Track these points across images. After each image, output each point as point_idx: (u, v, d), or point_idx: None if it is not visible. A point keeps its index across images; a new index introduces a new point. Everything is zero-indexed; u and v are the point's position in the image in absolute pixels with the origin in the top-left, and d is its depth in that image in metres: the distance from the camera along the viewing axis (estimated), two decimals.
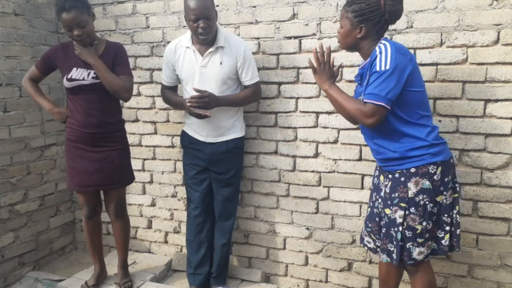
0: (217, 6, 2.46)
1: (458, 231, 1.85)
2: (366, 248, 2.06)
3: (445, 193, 1.79)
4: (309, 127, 2.52)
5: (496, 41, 2.07)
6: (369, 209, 2.02)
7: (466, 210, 2.25)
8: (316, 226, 2.60)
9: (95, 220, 2.56)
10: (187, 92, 2.39)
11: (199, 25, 2.22)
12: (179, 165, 2.88)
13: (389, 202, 1.82)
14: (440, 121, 2.22)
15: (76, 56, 2.28)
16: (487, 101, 2.13)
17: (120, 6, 2.87)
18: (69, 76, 2.28)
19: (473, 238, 2.26)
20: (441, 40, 2.17)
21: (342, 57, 2.36)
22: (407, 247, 1.80)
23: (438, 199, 1.79)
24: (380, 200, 1.93)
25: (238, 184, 2.61)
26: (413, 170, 1.77)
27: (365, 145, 2.35)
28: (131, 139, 2.93)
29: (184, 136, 2.55)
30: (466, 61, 2.14)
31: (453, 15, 2.12)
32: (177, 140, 2.84)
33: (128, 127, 2.91)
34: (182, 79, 2.45)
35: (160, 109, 2.89)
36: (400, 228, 1.79)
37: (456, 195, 1.85)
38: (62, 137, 3.02)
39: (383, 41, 1.77)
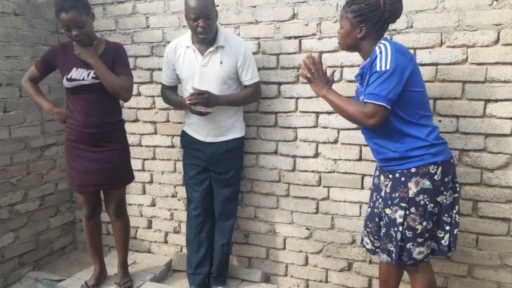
0: (217, 6, 2.46)
1: (455, 231, 1.85)
2: (364, 248, 2.06)
3: (445, 193, 1.79)
4: (309, 127, 2.52)
5: (496, 41, 2.07)
6: (369, 209, 2.02)
7: (466, 210, 2.25)
8: (316, 226, 2.60)
9: (95, 220, 2.56)
10: (187, 91, 2.39)
11: (199, 24, 2.22)
12: (179, 165, 2.88)
13: (389, 202, 1.83)
14: (440, 121, 2.22)
15: (76, 56, 2.28)
16: (487, 101, 2.13)
17: (120, 6, 2.87)
18: (69, 76, 2.28)
19: (473, 238, 2.26)
20: (441, 40, 2.17)
21: (342, 57, 2.36)
22: (407, 247, 1.80)
23: (438, 199, 1.79)
24: (380, 200, 1.93)
25: (238, 184, 2.61)
26: (413, 170, 1.77)
27: (365, 145, 2.35)
28: (131, 139, 2.93)
29: (184, 136, 2.55)
30: (466, 61, 2.14)
31: (453, 15, 2.12)
32: (177, 140, 2.84)
33: (128, 127, 2.91)
34: (182, 78, 2.45)
35: (160, 109, 2.89)
36: (400, 228, 1.79)
37: (456, 195, 1.85)
38: (62, 137, 3.02)
39: (383, 41, 1.77)
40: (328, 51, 2.40)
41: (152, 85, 2.89)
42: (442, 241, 1.84)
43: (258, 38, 2.56)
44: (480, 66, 2.12)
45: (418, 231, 1.78)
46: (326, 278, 2.63)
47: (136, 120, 2.98)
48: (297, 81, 2.50)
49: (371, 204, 2.01)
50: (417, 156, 1.77)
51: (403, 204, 1.78)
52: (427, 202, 1.76)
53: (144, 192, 3.05)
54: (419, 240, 1.79)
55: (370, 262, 2.51)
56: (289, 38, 2.48)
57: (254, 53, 2.50)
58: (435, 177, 1.76)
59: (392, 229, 1.82)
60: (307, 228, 2.62)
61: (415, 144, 1.77)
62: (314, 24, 2.41)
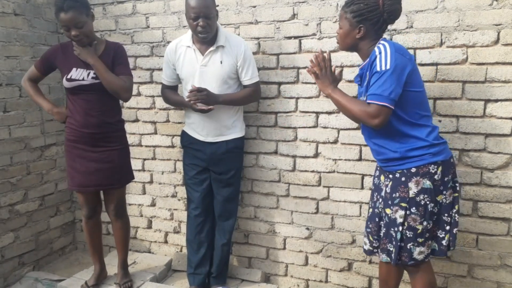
0: (217, 6, 2.45)
1: (455, 230, 1.85)
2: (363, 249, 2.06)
3: (444, 192, 1.80)
4: (309, 127, 2.52)
5: (496, 41, 2.07)
6: (370, 210, 2.02)
7: (466, 210, 2.25)
8: (316, 226, 2.60)
9: (95, 220, 2.56)
10: (187, 91, 2.39)
11: (199, 23, 2.22)
12: (179, 165, 2.88)
13: (389, 202, 1.83)
14: (440, 121, 2.22)
15: (75, 56, 2.28)
16: (487, 101, 2.13)
17: (120, 6, 2.87)
18: (68, 76, 2.28)
19: (473, 238, 2.26)
20: (441, 40, 2.17)
21: (342, 57, 2.36)
22: (408, 247, 1.80)
23: (438, 198, 1.79)
24: (380, 200, 1.93)
25: (238, 184, 2.61)
26: (413, 170, 1.77)
27: (365, 145, 2.35)
28: (131, 139, 2.93)
29: (184, 136, 2.55)
30: (466, 61, 2.14)
31: (453, 15, 2.12)
32: (177, 140, 2.84)
33: (128, 127, 2.91)
34: (182, 78, 2.45)
35: (160, 109, 2.89)
36: (400, 228, 1.79)
37: (456, 194, 1.86)
38: (62, 137, 3.02)
39: (382, 42, 1.77)
40: (328, 51, 2.39)
41: (152, 85, 2.89)
42: (443, 241, 1.84)
43: (258, 38, 2.56)
44: (480, 66, 2.12)
45: (418, 231, 1.78)
46: (326, 278, 2.63)
47: (136, 120, 2.98)
48: (297, 81, 2.50)
49: (372, 205, 2.01)
50: (417, 156, 1.77)
51: (403, 204, 1.78)
52: (428, 202, 1.76)
53: (144, 192, 3.05)
54: (420, 240, 1.79)
55: (370, 262, 2.51)
56: (289, 38, 2.48)
57: (254, 53, 2.50)
58: (435, 176, 1.76)
59: (392, 229, 1.82)
60: (307, 228, 2.62)
61: (415, 144, 1.77)
62: (314, 24, 2.41)
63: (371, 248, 2.00)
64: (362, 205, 2.46)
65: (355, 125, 2.38)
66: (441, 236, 1.84)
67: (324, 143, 2.50)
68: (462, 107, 2.18)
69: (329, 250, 2.59)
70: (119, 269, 2.62)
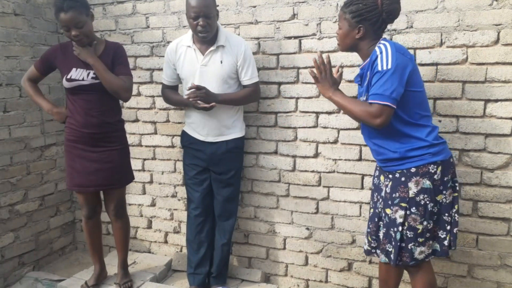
0: (217, 6, 2.45)
1: (455, 230, 1.85)
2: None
3: (444, 192, 1.80)
4: (309, 127, 2.52)
5: (496, 41, 2.07)
6: (371, 210, 2.02)
7: (466, 210, 2.25)
8: (316, 226, 2.60)
9: (95, 220, 2.56)
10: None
11: (199, 23, 2.23)
12: (179, 165, 2.88)
13: (389, 202, 1.83)
14: (440, 121, 2.22)
15: (75, 56, 2.28)
16: (487, 101, 2.13)
17: (120, 6, 2.87)
18: (68, 77, 2.28)
19: (473, 238, 2.26)
20: (441, 40, 2.17)
21: (342, 57, 2.36)
22: (409, 247, 1.80)
23: (438, 198, 1.79)
24: (380, 200, 1.93)
25: (238, 184, 2.61)
26: (413, 170, 1.77)
27: (365, 145, 2.35)
28: (131, 139, 2.93)
29: (184, 136, 2.55)
30: (466, 61, 2.14)
31: (453, 15, 2.12)
32: (177, 140, 2.84)
33: (128, 127, 2.91)
34: (182, 78, 2.45)
35: (160, 109, 2.89)
36: (400, 228, 1.79)
37: (456, 194, 1.86)
38: (62, 137, 3.02)
39: (382, 41, 1.77)
40: (328, 51, 2.40)
41: (152, 85, 2.89)
42: (445, 242, 1.84)
43: (258, 38, 2.56)
44: (480, 66, 2.12)
45: (419, 231, 1.78)
46: (326, 278, 2.63)
47: (136, 120, 2.98)
48: (297, 81, 2.50)
49: (372, 205, 2.01)
50: (417, 156, 1.77)
51: (403, 204, 1.78)
52: (428, 202, 1.76)
53: (144, 192, 3.05)
54: (420, 240, 1.79)
55: (370, 262, 2.51)
56: (289, 38, 2.48)
57: (254, 53, 2.50)
58: (435, 176, 1.76)
59: (391, 229, 1.82)
60: (307, 228, 2.62)
61: (415, 145, 1.77)
62: (314, 24, 2.41)
63: (369, 248, 2.00)
64: (362, 205, 2.46)
65: (355, 125, 2.38)
66: (442, 236, 1.84)
67: (324, 143, 2.50)
68: (462, 107, 2.18)
69: (329, 250, 2.59)
70: (119, 269, 2.62)
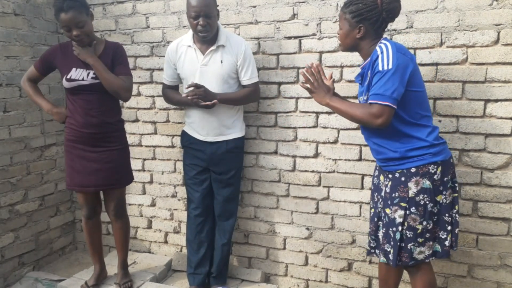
0: (217, 6, 2.46)
1: (456, 230, 1.85)
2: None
3: (444, 192, 1.80)
4: (309, 127, 2.52)
5: (496, 41, 2.07)
6: (372, 210, 2.03)
7: (466, 210, 2.25)
8: (316, 226, 2.60)
9: (95, 220, 2.56)
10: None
11: (199, 22, 2.23)
12: (179, 165, 2.88)
13: (389, 202, 1.83)
14: (440, 121, 2.22)
15: (75, 56, 2.28)
16: (487, 101, 2.13)
17: (120, 6, 2.87)
18: (68, 77, 2.28)
19: (473, 238, 2.26)
20: (441, 40, 2.17)
21: (342, 57, 2.36)
22: (408, 247, 1.80)
23: (437, 198, 1.79)
24: (380, 200, 1.93)
25: (238, 184, 2.61)
26: (413, 170, 1.77)
27: (365, 145, 2.35)
28: (131, 139, 2.94)
29: (184, 136, 2.55)
30: (466, 61, 2.14)
31: (453, 15, 2.12)
32: (177, 140, 2.84)
33: (128, 127, 2.91)
34: (183, 77, 2.45)
35: (160, 109, 2.89)
36: (400, 228, 1.79)
37: (456, 194, 1.86)
38: (62, 137, 3.02)
39: (383, 41, 1.77)
40: (328, 51, 2.40)
41: (152, 85, 2.89)
42: (446, 242, 1.83)
43: (258, 38, 2.56)
44: (480, 66, 2.12)
45: (418, 231, 1.78)
46: (326, 278, 2.63)
47: (136, 120, 2.98)
48: (297, 81, 2.50)
49: (373, 205, 2.01)
50: (417, 156, 1.77)
51: (403, 204, 1.78)
52: (427, 202, 1.76)
53: (144, 192, 3.05)
54: (420, 240, 1.79)
55: (370, 262, 2.51)
56: (289, 38, 2.48)
57: (254, 53, 2.50)
58: (435, 176, 1.76)
59: (391, 229, 1.82)
60: (307, 228, 2.62)
61: (415, 145, 1.77)
62: (314, 24, 2.41)
63: (368, 248, 2.01)
64: (362, 205, 2.46)
65: (355, 125, 2.38)
66: (443, 237, 1.84)
67: (324, 143, 2.50)
68: (462, 107, 2.18)
69: (329, 250, 2.59)
70: (119, 269, 2.62)
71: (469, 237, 2.27)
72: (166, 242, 3.05)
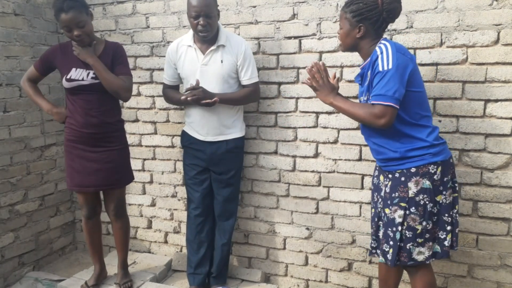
0: (217, 6, 2.46)
1: (457, 230, 1.86)
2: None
3: (444, 192, 1.80)
4: (309, 127, 2.52)
5: (496, 41, 2.07)
6: (372, 210, 2.03)
7: (466, 210, 2.25)
8: (316, 226, 2.60)
9: (95, 220, 2.56)
10: None
11: (199, 22, 2.23)
12: (179, 165, 2.88)
13: (389, 202, 1.83)
14: (440, 121, 2.22)
15: (75, 56, 2.28)
16: (487, 101, 2.13)
17: (120, 6, 2.87)
18: (68, 77, 2.28)
19: (473, 238, 2.26)
20: (441, 40, 2.17)
21: (342, 57, 2.36)
22: (407, 247, 1.80)
23: (437, 198, 1.79)
24: (380, 200, 1.93)
25: (238, 184, 2.61)
26: (413, 170, 1.77)
27: (365, 145, 2.35)
28: (131, 139, 2.94)
29: (184, 136, 2.55)
30: (466, 61, 2.14)
31: (453, 15, 2.12)
32: (177, 140, 2.84)
33: (128, 127, 2.91)
34: (183, 77, 2.45)
35: (160, 109, 2.89)
36: (399, 228, 1.79)
37: (456, 194, 1.86)
38: (62, 137, 3.02)
39: (383, 41, 1.77)
40: (328, 51, 2.40)
41: (152, 85, 2.89)
42: (445, 242, 1.83)
43: (258, 38, 2.56)
44: (480, 66, 2.12)
45: (418, 231, 1.78)
46: (326, 278, 2.63)
47: (136, 120, 2.98)
48: (297, 81, 2.50)
49: (373, 205, 2.01)
50: (417, 156, 1.77)
51: (403, 204, 1.78)
52: (427, 202, 1.76)
53: (144, 192, 3.05)
54: (419, 240, 1.79)
55: (370, 262, 2.51)
56: (289, 38, 2.48)
57: (254, 53, 2.50)
58: (435, 177, 1.76)
59: (390, 229, 1.82)
60: (307, 228, 2.62)
61: (415, 145, 1.77)
62: (314, 24, 2.41)
63: (369, 249, 2.01)
64: (362, 205, 2.46)
65: (355, 125, 2.38)
66: (442, 237, 1.83)
67: (324, 143, 2.50)
68: (462, 107, 2.18)
69: (329, 250, 2.59)
70: (119, 269, 2.62)
71: (469, 237, 2.27)
72: (166, 242, 3.05)
